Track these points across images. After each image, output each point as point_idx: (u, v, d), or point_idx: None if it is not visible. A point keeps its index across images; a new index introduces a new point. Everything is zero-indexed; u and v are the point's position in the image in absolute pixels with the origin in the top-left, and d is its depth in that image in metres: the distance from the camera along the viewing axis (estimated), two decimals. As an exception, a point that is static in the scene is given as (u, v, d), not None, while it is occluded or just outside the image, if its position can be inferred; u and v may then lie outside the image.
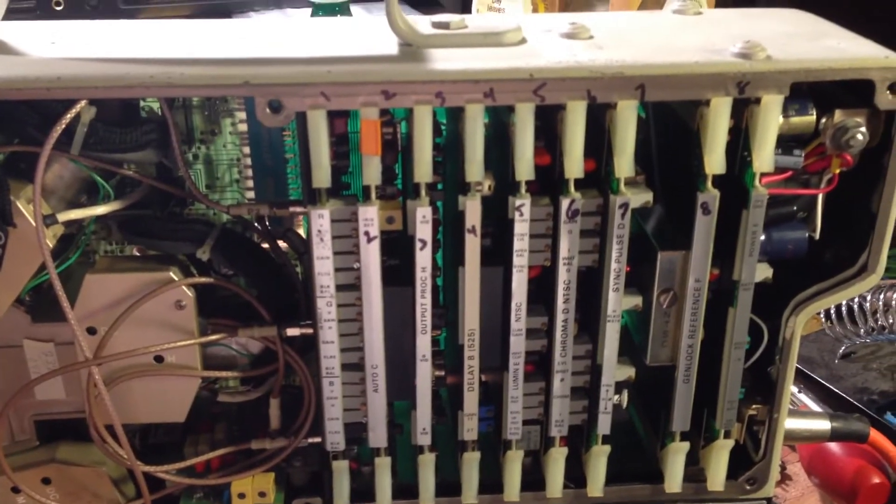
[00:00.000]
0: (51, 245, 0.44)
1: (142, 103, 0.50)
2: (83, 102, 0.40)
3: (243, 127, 0.53)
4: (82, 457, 0.49)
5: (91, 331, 0.46)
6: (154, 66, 0.41)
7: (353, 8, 0.97)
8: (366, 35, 0.46)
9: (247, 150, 0.54)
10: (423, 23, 0.45)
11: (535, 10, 1.05)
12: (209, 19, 0.50)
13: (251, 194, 0.54)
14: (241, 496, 0.50)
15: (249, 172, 0.54)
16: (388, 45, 0.44)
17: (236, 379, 0.54)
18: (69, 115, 0.40)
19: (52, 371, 0.46)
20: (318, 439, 0.49)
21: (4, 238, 0.43)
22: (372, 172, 0.43)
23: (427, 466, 0.50)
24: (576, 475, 0.52)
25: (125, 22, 0.49)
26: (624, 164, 0.44)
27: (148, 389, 0.48)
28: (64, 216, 0.44)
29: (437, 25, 0.45)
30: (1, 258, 0.43)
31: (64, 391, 0.48)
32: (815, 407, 0.74)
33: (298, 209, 0.45)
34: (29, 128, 0.42)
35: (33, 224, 0.43)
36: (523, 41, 0.45)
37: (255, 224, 0.50)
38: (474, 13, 1.09)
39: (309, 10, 0.90)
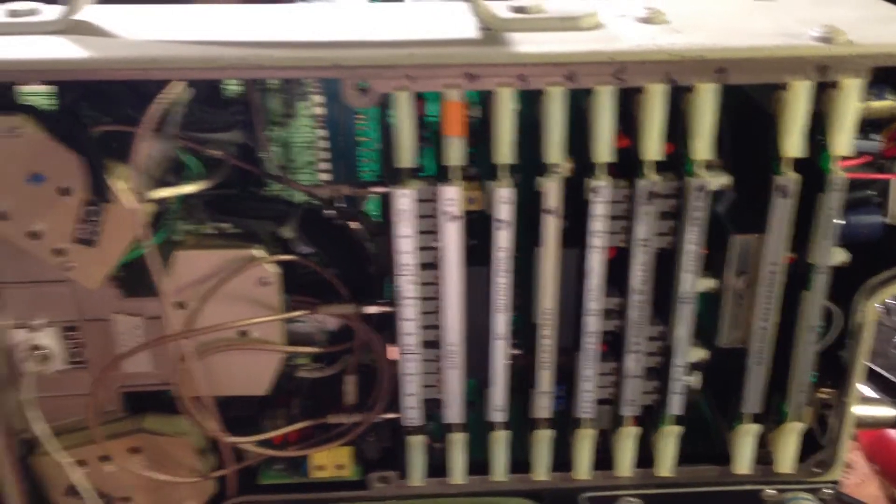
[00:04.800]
0: (144, 223, 0.45)
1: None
2: (183, 83, 0.41)
3: (317, 110, 0.54)
4: (168, 427, 0.51)
5: (179, 305, 0.47)
6: (245, 48, 0.42)
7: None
8: (445, 19, 0.46)
9: (320, 133, 0.55)
10: (500, 7, 0.46)
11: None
12: (287, 3, 0.51)
13: (324, 176, 0.55)
14: (321, 468, 0.51)
15: (323, 155, 0.55)
16: (468, 28, 0.45)
17: (310, 356, 0.55)
18: (167, 96, 0.41)
19: (143, 343, 0.48)
20: (392, 415, 0.51)
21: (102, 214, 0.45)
22: (455, 153, 0.44)
23: (500, 443, 0.51)
24: (642, 455, 0.53)
25: (209, 6, 0.50)
26: (702, 146, 0.44)
27: (233, 363, 0.49)
28: (155, 194, 0.46)
29: (514, 10, 0.46)
30: (98, 234, 0.45)
31: (151, 364, 0.50)
32: (873, 396, 0.73)
33: (379, 189, 0.46)
34: (126, 107, 0.43)
35: (127, 202, 0.44)
36: (600, 25, 0.45)
37: (334, 204, 0.51)
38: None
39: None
